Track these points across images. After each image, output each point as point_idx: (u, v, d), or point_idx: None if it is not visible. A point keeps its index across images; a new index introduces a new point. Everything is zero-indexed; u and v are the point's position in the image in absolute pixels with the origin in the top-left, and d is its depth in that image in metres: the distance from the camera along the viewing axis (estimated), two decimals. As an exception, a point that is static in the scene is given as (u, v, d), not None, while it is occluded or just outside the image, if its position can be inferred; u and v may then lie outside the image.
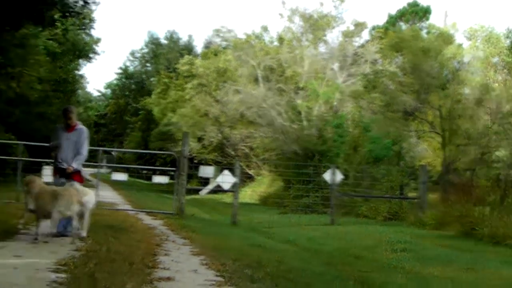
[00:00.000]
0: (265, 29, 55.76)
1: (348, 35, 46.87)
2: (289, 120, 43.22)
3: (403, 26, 59.51)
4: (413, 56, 34.01)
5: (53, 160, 12.52)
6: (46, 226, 11.22)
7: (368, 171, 30.23)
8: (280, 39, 50.92)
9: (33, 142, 28.60)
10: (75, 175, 12.09)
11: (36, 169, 23.39)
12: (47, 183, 12.12)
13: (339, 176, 23.43)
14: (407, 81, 35.28)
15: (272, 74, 47.42)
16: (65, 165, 11.98)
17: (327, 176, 23.29)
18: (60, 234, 11.37)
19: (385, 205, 26.54)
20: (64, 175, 12.00)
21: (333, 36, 54.13)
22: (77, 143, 12.10)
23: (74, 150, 12.06)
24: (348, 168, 30.07)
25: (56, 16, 21.58)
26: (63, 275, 7.71)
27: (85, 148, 12.21)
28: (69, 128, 12.19)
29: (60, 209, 10.75)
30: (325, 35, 47.86)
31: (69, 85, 52.22)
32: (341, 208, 25.92)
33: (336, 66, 45.90)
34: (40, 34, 34.83)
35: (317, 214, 26.54)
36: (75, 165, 12.02)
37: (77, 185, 11.95)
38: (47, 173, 17.12)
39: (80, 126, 12.36)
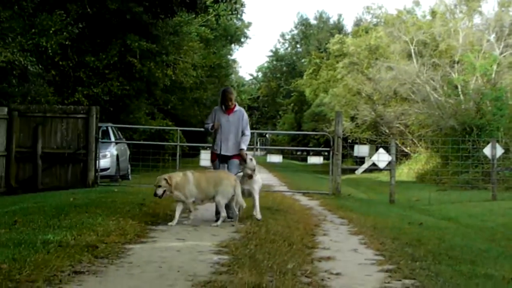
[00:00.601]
0: (416, 3, 54.69)
1: (504, 4, 45.15)
2: (444, 95, 42.22)
3: None
4: None
5: (210, 145, 12.55)
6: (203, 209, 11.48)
7: (530, 144, 29.07)
8: (433, 13, 49.68)
9: (188, 127, 29.40)
10: (237, 156, 11.97)
11: (193, 154, 24.05)
12: (205, 168, 12.29)
13: (499, 150, 22.72)
14: None
15: (426, 49, 46.45)
16: (224, 150, 11.94)
17: (487, 150, 22.61)
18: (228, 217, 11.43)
19: (550, 179, 25.48)
20: (223, 159, 12.03)
21: (489, 7, 52.40)
22: (238, 124, 11.96)
23: (235, 132, 11.93)
24: (509, 142, 29.03)
25: (208, 2, 21.97)
26: (225, 257, 7.87)
27: (249, 129, 12.13)
28: (229, 109, 12.06)
29: (224, 193, 10.90)
30: (480, 6, 46.42)
31: (223, 70, 53.49)
32: (502, 183, 25.10)
33: (492, 37, 44.34)
34: (193, 21, 35.67)
35: (477, 190, 25.79)
36: (244, 146, 11.90)
37: (254, 161, 11.96)
38: (205, 157, 17.45)
39: (239, 107, 12.26)
